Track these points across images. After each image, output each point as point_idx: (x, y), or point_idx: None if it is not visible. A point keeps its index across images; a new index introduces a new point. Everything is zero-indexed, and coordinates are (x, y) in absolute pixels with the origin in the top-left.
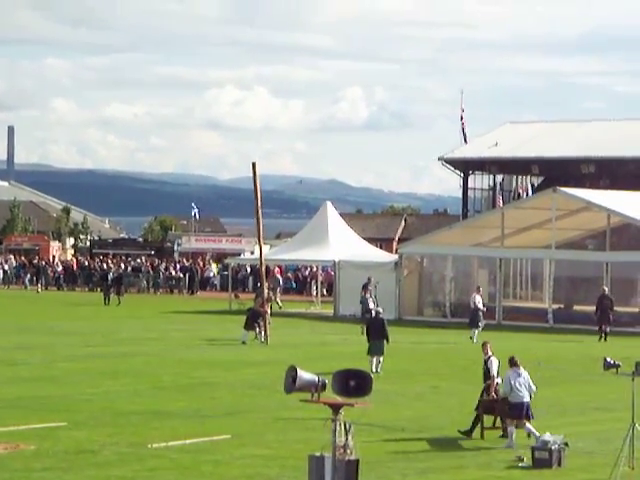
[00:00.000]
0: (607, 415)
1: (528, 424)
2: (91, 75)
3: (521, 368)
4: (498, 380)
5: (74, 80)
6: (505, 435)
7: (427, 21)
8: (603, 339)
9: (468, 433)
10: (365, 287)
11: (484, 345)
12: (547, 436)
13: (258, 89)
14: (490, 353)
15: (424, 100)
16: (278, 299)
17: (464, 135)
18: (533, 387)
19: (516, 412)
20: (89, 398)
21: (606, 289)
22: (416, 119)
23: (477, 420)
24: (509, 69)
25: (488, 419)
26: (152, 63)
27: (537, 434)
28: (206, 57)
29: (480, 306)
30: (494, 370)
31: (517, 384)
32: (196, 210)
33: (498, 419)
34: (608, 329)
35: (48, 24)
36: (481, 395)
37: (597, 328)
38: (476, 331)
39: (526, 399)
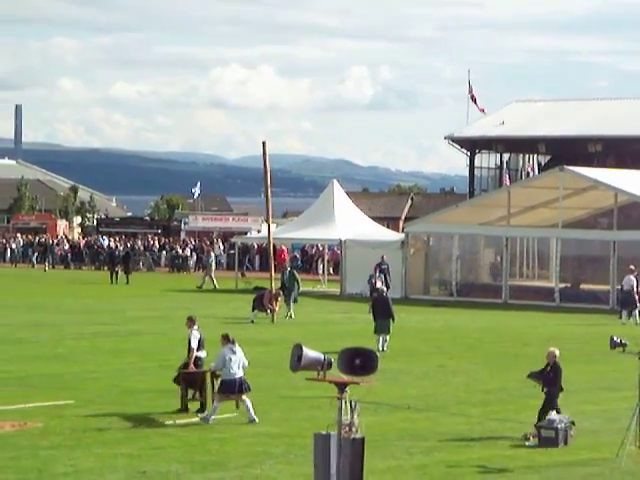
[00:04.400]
0: (614, 394)
1: (247, 400)
2: (97, 54)
3: (236, 345)
4: (199, 354)
5: (80, 59)
6: (202, 410)
7: (433, 0)
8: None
9: (183, 411)
10: (379, 266)
11: (189, 319)
12: (553, 415)
13: (263, 68)
14: (195, 327)
15: (430, 79)
16: (214, 279)
17: (477, 106)
18: (246, 363)
19: (229, 388)
20: (96, 376)
21: (633, 268)
22: (422, 98)
23: (187, 395)
24: (516, 48)
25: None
26: (157, 42)
27: (252, 411)
28: (211, 36)
29: (636, 288)
30: (193, 343)
31: (230, 361)
32: (197, 190)
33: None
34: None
35: (55, 3)
36: (180, 368)
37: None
38: (625, 312)
39: (239, 375)
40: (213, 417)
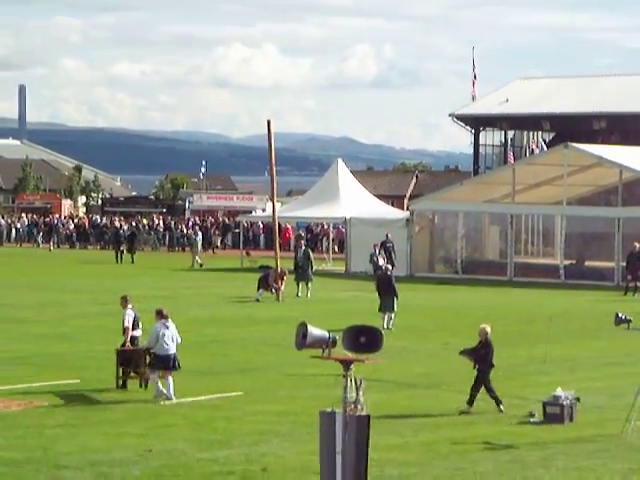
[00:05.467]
0: (619, 370)
1: (170, 378)
2: (99, 33)
3: (169, 320)
4: (134, 333)
5: (82, 38)
6: (142, 385)
7: None
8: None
9: (122, 386)
10: (383, 244)
11: (122, 298)
12: (559, 391)
13: (267, 46)
14: (130, 306)
15: (434, 57)
16: (197, 257)
17: (473, 92)
18: (179, 339)
19: (163, 363)
20: (101, 355)
21: (637, 245)
22: (426, 76)
23: (124, 373)
24: (519, 25)
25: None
26: (160, 21)
27: (172, 389)
28: (214, 15)
29: None
30: (127, 322)
31: (165, 336)
32: (202, 169)
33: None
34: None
35: None
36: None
37: (625, 283)
38: None
39: (172, 351)
40: (160, 391)
